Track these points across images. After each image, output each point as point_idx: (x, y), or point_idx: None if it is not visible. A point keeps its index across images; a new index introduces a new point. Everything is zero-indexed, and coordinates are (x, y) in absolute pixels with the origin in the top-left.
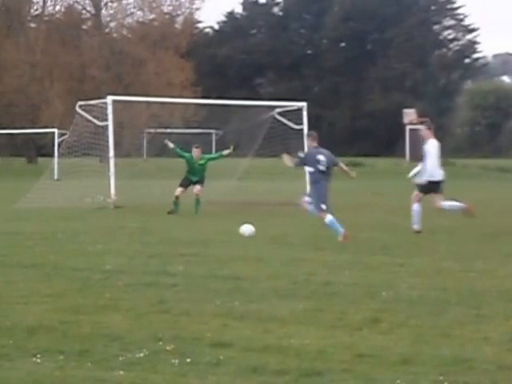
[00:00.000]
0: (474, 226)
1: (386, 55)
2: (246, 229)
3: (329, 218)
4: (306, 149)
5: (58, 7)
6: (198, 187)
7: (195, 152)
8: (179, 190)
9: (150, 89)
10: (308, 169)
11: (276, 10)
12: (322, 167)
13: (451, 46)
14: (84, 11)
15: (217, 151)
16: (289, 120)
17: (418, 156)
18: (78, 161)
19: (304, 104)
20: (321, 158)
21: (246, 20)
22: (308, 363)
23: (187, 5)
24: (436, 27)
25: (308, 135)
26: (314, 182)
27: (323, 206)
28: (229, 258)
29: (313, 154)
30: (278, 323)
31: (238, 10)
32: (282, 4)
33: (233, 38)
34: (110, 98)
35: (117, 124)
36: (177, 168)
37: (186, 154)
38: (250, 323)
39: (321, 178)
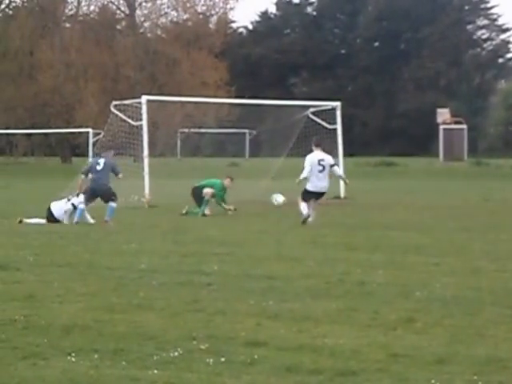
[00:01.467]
0: (508, 225)
1: (419, 55)
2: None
3: None
4: (339, 148)
5: (92, 7)
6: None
7: (228, 182)
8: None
9: (184, 89)
10: None
11: (310, 9)
12: None
13: (485, 45)
14: (118, 11)
15: (251, 153)
16: (322, 120)
17: (452, 155)
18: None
19: (338, 103)
20: None
21: (280, 20)
22: (342, 363)
23: (221, 5)
24: (470, 27)
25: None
26: None
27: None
28: (263, 258)
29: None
30: (312, 322)
31: (272, 9)
32: (315, 4)
33: (267, 37)
34: (144, 98)
35: (151, 124)
36: (210, 167)
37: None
38: (284, 322)
39: None
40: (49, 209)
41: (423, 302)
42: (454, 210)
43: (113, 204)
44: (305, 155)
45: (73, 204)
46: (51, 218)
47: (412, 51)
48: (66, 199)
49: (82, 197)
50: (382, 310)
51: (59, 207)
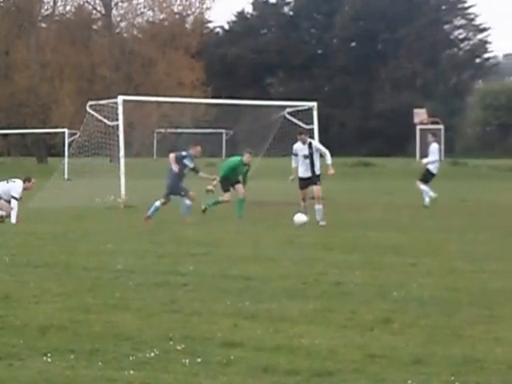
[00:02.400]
0: (485, 226)
1: (396, 55)
2: (298, 218)
3: None
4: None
5: (68, 7)
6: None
7: (247, 157)
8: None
9: (161, 89)
10: None
11: (286, 9)
12: None
13: (462, 45)
14: (94, 11)
15: (228, 153)
16: (299, 120)
17: (427, 155)
18: (88, 160)
19: (314, 104)
20: None
21: (257, 20)
22: (319, 363)
23: (197, 4)
24: (447, 27)
25: None
26: None
27: None
28: (239, 258)
29: None
30: (288, 323)
31: (249, 9)
32: (292, 4)
33: (243, 37)
34: (120, 98)
35: (127, 124)
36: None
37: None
38: (261, 323)
39: None
40: None
41: (400, 302)
42: (431, 211)
43: (157, 203)
44: (282, 155)
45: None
46: None
47: (389, 51)
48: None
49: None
50: (358, 311)
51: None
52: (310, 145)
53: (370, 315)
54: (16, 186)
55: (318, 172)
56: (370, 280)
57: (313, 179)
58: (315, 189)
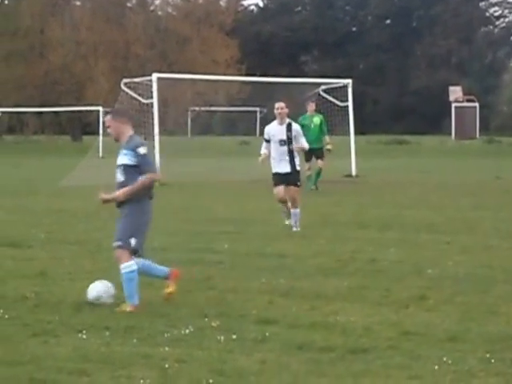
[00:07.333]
0: None
1: (431, 32)
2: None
3: None
4: (351, 126)
5: None
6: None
7: (310, 106)
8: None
9: (195, 67)
10: None
11: None
12: None
13: (497, 23)
14: None
15: (262, 132)
16: (334, 97)
17: (464, 133)
18: None
19: (349, 81)
20: None
21: None
22: (354, 340)
23: None
24: (482, 4)
25: None
26: None
27: None
28: (273, 236)
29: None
30: (323, 300)
31: None
32: None
33: (277, 15)
34: (155, 76)
35: (161, 102)
36: (220, 146)
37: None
38: (296, 300)
39: None
40: None
41: (435, 279)
42: (465, 188)
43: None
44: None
45: None
46: None
47: (424, 29)
48: None
49: None
50: (393, 288)
51: None
52: (289, 126)
53: (405, 292)
54: None
55: (298, 167)
56: (404, 257)
57: (292, 177)
58: (293, 190)
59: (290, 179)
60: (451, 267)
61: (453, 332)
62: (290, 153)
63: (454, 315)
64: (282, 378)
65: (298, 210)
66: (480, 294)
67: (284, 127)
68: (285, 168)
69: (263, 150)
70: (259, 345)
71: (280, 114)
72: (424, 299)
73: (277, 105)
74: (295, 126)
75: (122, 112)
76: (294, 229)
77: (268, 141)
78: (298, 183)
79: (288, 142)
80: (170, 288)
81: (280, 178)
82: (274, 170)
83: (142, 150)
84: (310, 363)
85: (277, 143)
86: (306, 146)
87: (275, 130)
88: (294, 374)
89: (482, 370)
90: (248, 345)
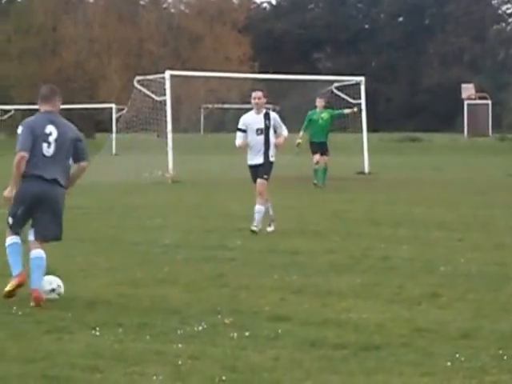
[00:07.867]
0: None
1: (444, 30)
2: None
3: None
4: (363, 123)
5: None
6: (325, 157)
7: (319, 102)
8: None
9: (208, 64)
10: None
11: None
12: None
13: (510, 20)
14: None
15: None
16: (346, 95)
17: (477, 131)
18: (135, 136)
19: (362, 78)
20: None
21: None
22: (366, 337)
23: None
24: (495, 1)
25: None
26: None
27: None
28: (286, 233)
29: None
30: (336, 297)
31: None
32: None
33: (290, 12)
34: (168, 73)
35: (174, 99)
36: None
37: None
38: (308, 297)
39: None
40: None
41: (447, 276)
42: (478, 186)
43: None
44: (331, 130)
45: None
46: None
47: (436, 26)
48: None
49: None
50: (406, 285)
51: None
52: (266, 115)
53: (418, 290)
54: None
55: (272, 158)
56: (417, 255)
57: (262, 168)
58: (259, 183)
59: (259, 170)
60: (463, 264)
61: (465, 329)
62: (266, 143)
63: (467, 312)
64: (295, 375)
65: (262, 208)
66: (492, 291)
67: (261, 116)
68: (258, 159)
69: (238, 140)
70: (272, 342)
71: (257, 104)
72: (436, 296)
73: (254, 94)
74: (273, 115)
75: None
76: (253, 228)
77: (244, 131)
78: (265, 176)
79: (266, 131)
80: (10, 287)
81: (254, 170)
82: (249, 163)
83: (19, 130)
84: (322, 360)
85: (254, 133)
86: (286, 133)
87: (252, 119)
88: (306, 371)
89: (495, 367)
90: (261, 342)
